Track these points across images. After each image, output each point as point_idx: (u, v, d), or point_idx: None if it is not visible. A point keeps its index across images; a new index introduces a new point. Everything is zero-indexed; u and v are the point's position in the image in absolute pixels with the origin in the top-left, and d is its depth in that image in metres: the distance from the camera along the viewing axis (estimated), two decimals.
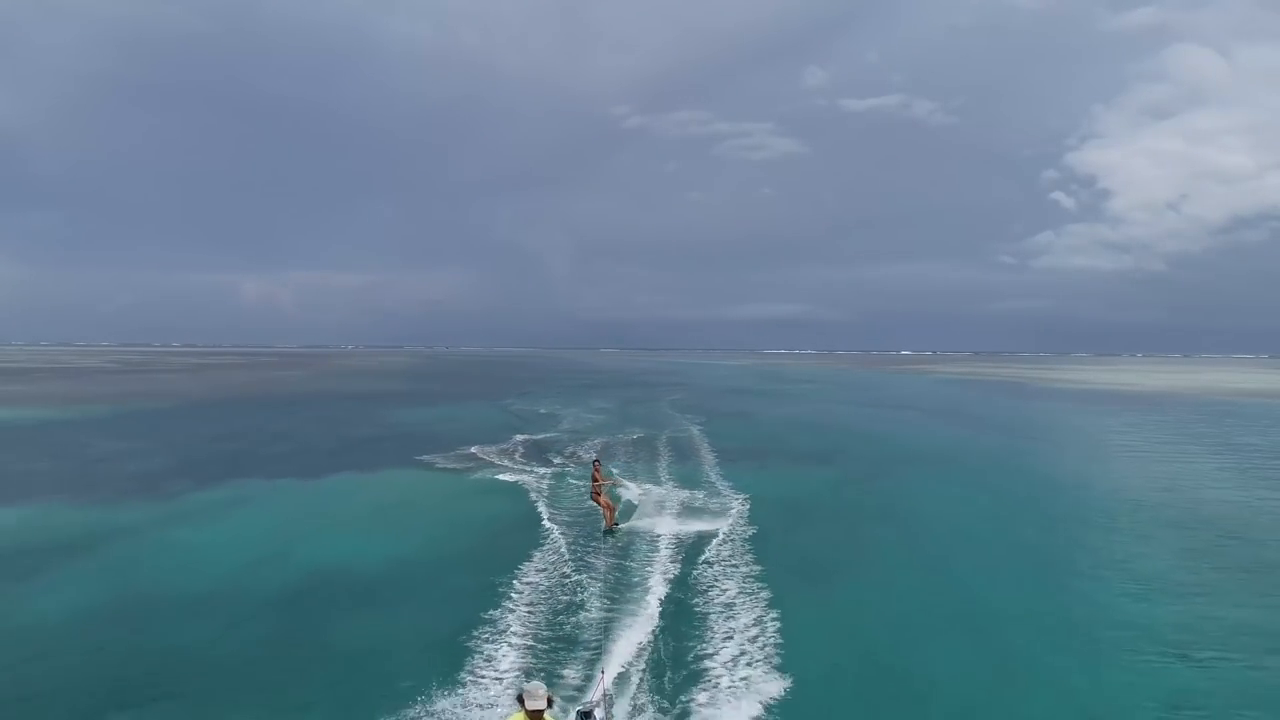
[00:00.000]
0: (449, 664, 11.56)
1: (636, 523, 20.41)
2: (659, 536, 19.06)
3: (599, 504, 20.00)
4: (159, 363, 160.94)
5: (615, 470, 28.02)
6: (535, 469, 29.16)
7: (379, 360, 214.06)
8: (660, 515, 21.24)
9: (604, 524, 19.65)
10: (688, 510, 22.08)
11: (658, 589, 15.34)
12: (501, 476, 27.50)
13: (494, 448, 34.79)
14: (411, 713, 10.15)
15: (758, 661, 11.79)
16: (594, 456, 24.60)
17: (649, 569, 16.67)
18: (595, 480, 20.20)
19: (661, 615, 13.84)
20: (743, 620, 13.56)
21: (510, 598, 14.63)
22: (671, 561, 17.16)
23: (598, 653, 12.16)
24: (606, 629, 13.24)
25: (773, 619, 13.52)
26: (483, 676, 11.23)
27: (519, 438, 38.32)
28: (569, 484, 25.89)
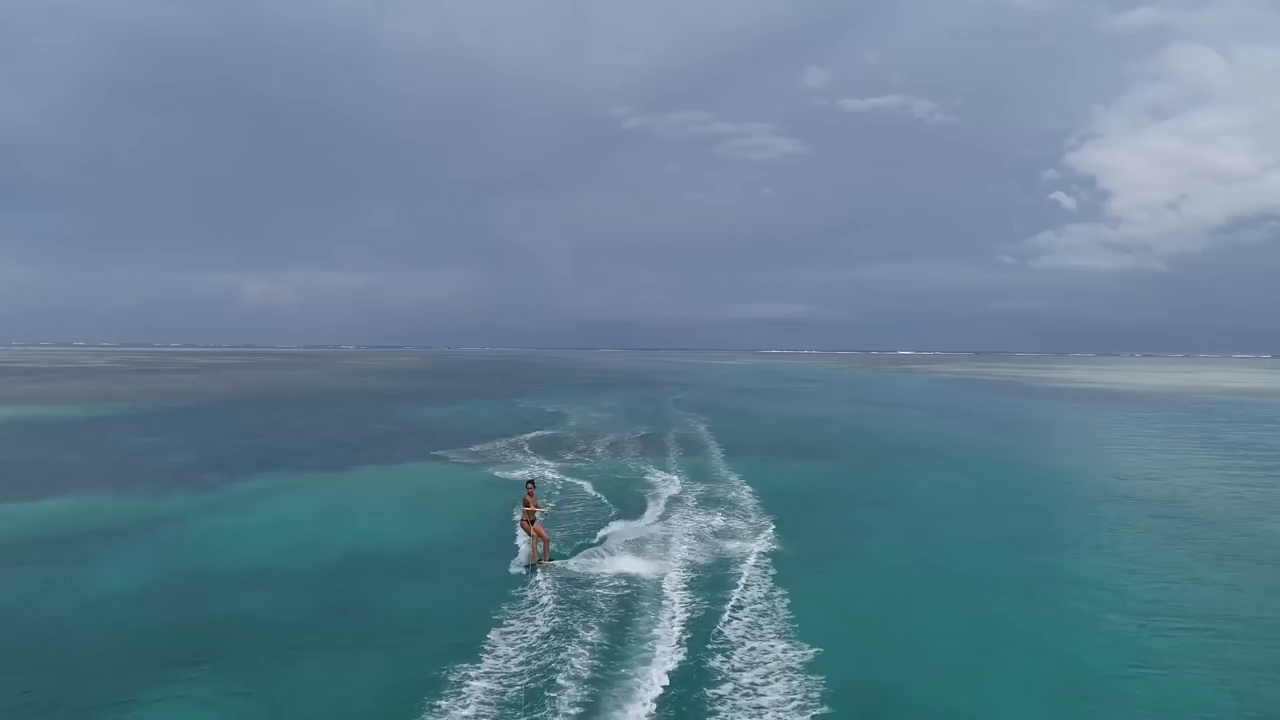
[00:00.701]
0: (470, 634, 12.91)
1: (593, 560, 17.42)
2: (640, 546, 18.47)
3: (530, 533, 17.19)
4: (166, 363, 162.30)
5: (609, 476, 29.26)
6: (544, 464, 30.44)
7: (382, 360, 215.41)
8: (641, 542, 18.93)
9: (530, 558, 17.09)
10: (688, 516, 21.83)
11: (668, 579, 16.68)
12: (512, 472, 28.65)
13: (504, 444, 36.12)
14: (437, 674, 11.42)
15: (770, 634, 13.14)
16: (529, 478, 20.18)
17: (661, 557, 18.07)
18: (528, 506, 17.24)
19: (673, 596, 15.23)
20: (753, 594, 14.97)
21: (523, 581, 16.01)
22: (683, 549, 18.54)
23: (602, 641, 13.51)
24: (614, 612, 14.64)
25: (781, 595, 14.95)
26: (497, 646, 12.51)
27: (527, 435, 39.61)
28: (570, 481, 27.07)
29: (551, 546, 17.48)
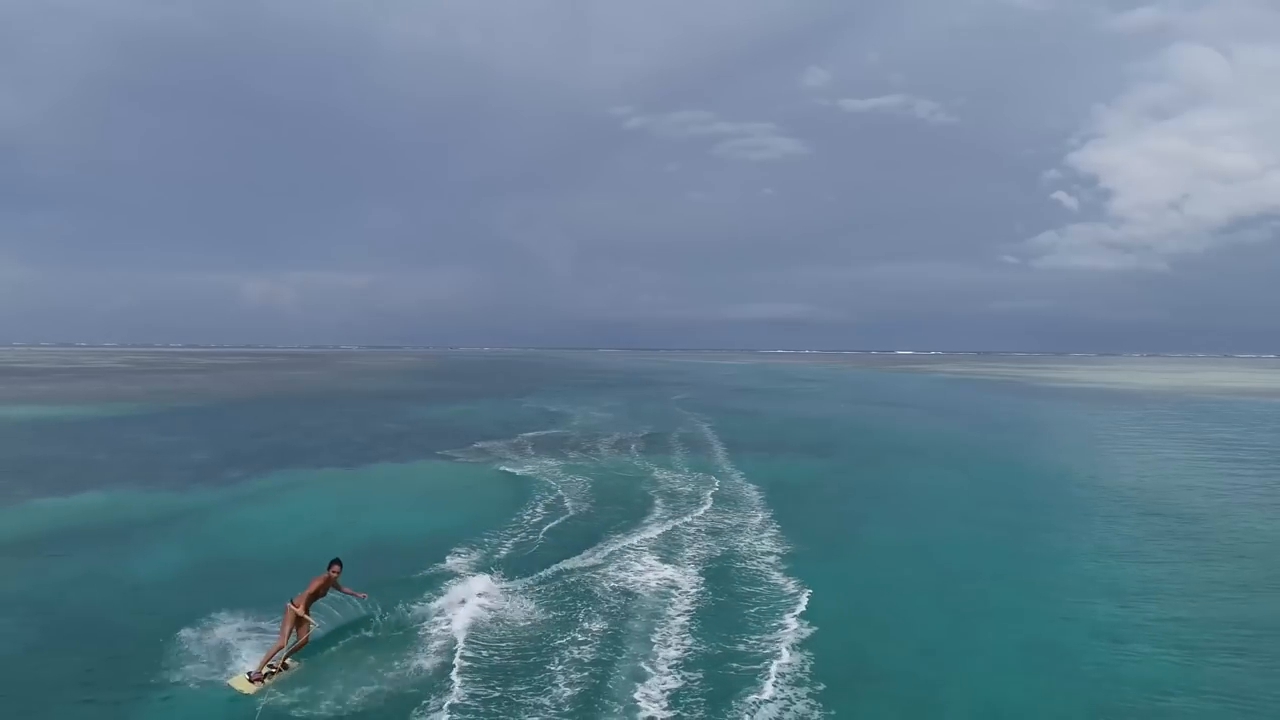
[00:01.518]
0: (484, 613, 13.97)
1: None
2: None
3: (288, 622, 12.06)
4: (170, 363, 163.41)
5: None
6: (546, 462, 31.20)
7: (384, 361, 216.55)
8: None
9: (264, 666, 11.67)
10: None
11: (676, 569, 17.64)
12: (516, 469, 29.50)
13: (508, 442, 36.98)
14: (451, 656, 12.37)
15: (773, 615, 14.13)
16: (335, 556, 13.42)
17: (673, 542, 19.03)
18: (316, 591, 12.60)
19: (679, 585, 16.21)
20: (756, 581, 15.98)
21: (532, 568, 16.97)
22: (688, 541, 19.50)
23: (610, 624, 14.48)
24: (617, 597, 15.63)
25: (782, 581, 16.00)
26: (505, 627, 13.58)
27: (529, 434, 40.47)
28: (575, 479, 27.79)
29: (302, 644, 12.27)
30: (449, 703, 10.84)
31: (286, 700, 10.99)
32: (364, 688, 11.30)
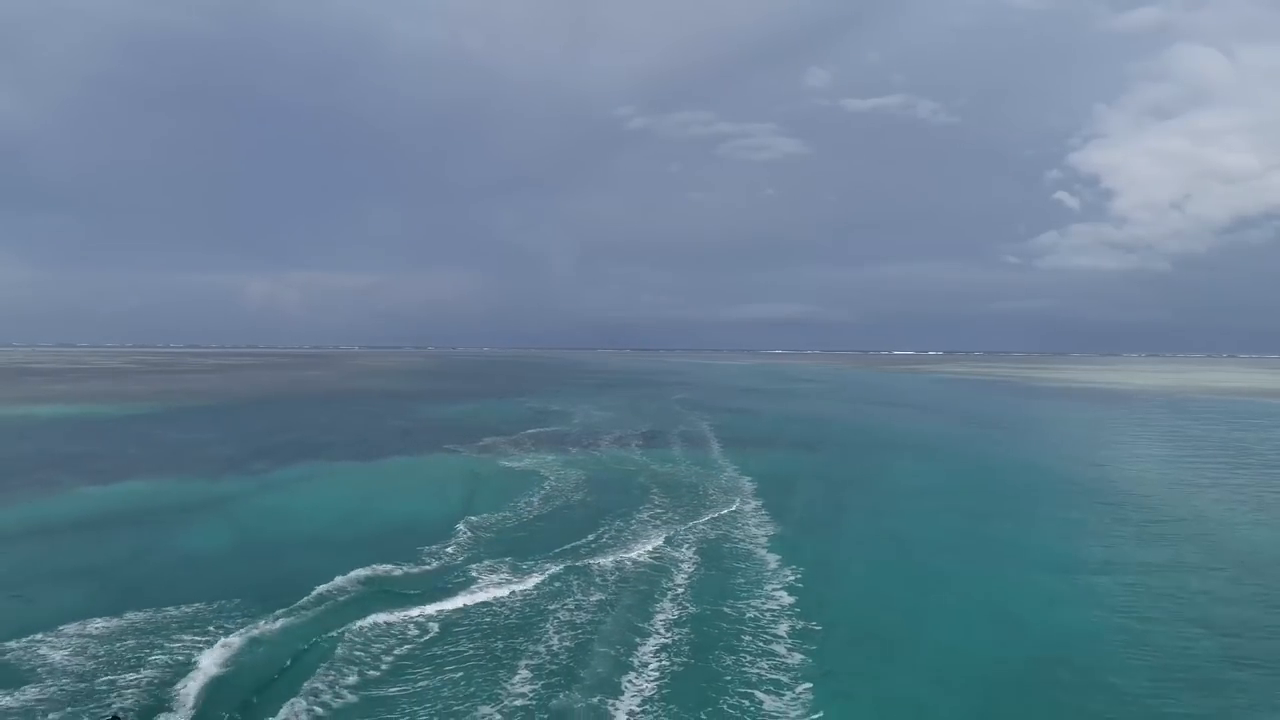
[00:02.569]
0: (493, 596, 15.72)
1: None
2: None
3: None
4: (177, 364, 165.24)
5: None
6: (548, 457, 32.83)
7: (388, 361, 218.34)
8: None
9: None
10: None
11: (676, 552, 19.31)
12: (520, 463, 31.24)
13: (512, 439, 38.60)
14: (460, 629, 14.25)
15: (764, 585, 15.91)
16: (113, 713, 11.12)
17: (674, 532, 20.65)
18: None
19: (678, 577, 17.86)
20: (749, 559, 17.89)
21: (536, 549, 18.71)
22: (688, 528, 21.15)
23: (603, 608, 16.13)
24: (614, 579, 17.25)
25: (770, 557, 17.96)
26: (509, 606, 15.34)
27: (532, 430, 42.15)
28: (576, 472, 29.45)
29: None
30: (460, 658, 12.59)
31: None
32: (385, 660, 12.93)
